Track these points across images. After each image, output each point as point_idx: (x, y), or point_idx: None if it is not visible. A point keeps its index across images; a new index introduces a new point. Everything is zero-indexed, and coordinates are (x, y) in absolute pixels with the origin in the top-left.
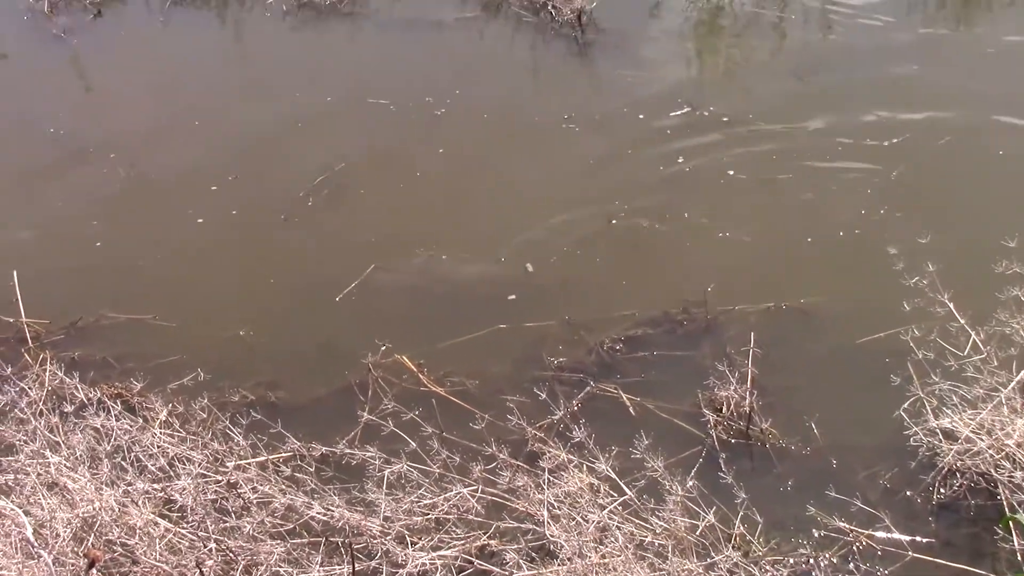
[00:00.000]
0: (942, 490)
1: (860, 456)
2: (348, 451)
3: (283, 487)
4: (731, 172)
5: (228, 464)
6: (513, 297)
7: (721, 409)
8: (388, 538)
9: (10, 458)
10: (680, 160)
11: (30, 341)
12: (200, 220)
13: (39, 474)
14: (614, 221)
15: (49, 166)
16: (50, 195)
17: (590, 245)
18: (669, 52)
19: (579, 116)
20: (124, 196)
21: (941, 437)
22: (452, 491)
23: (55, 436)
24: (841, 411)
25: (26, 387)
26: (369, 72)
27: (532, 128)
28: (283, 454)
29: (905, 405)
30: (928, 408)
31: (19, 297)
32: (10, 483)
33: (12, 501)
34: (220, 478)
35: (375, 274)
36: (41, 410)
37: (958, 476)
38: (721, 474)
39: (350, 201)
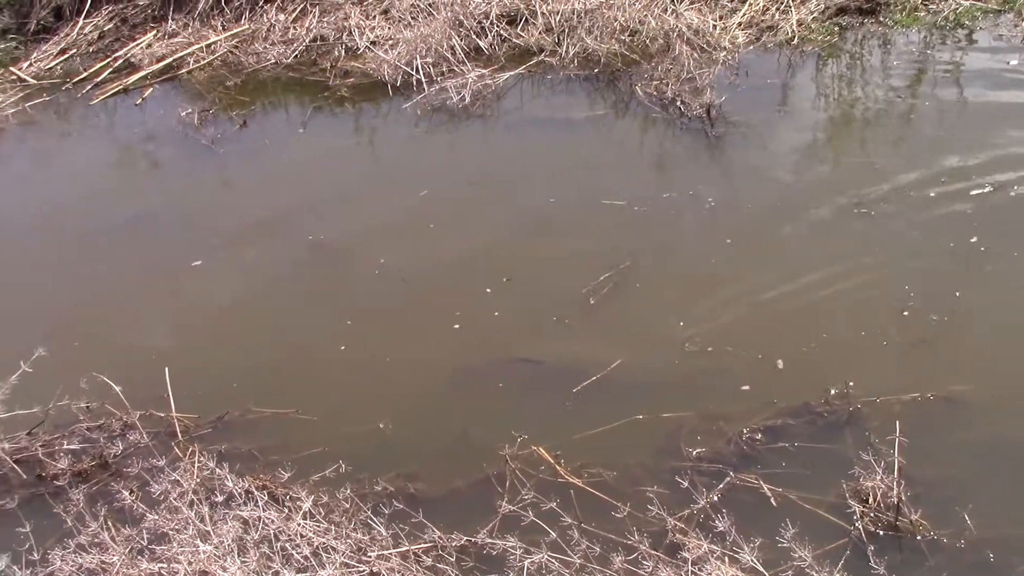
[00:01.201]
0: None
1: (1019, 548)
2: (488, 540)
3: None
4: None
5: (370, 554)
6: (747, 388)
7: (867, 500)
8: None
9: (163, 547)
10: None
11: (180, 435)
12: (457, 326)
13: (190, 563)
14: (906, 313)
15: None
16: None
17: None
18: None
19: (866, 201)
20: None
21: None
22: None
23: (205, 526)
24: (996, 501)
25: (178, 478)
26: (563, 171)
27: (812, 215)
28: (423, 545)
29: None
30: None
31: (170, 392)
32: (163, 571)
33: None
34: (363, 568)
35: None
36: (192, 500)
37: None
38: (872, 565)
39: (630, 297)
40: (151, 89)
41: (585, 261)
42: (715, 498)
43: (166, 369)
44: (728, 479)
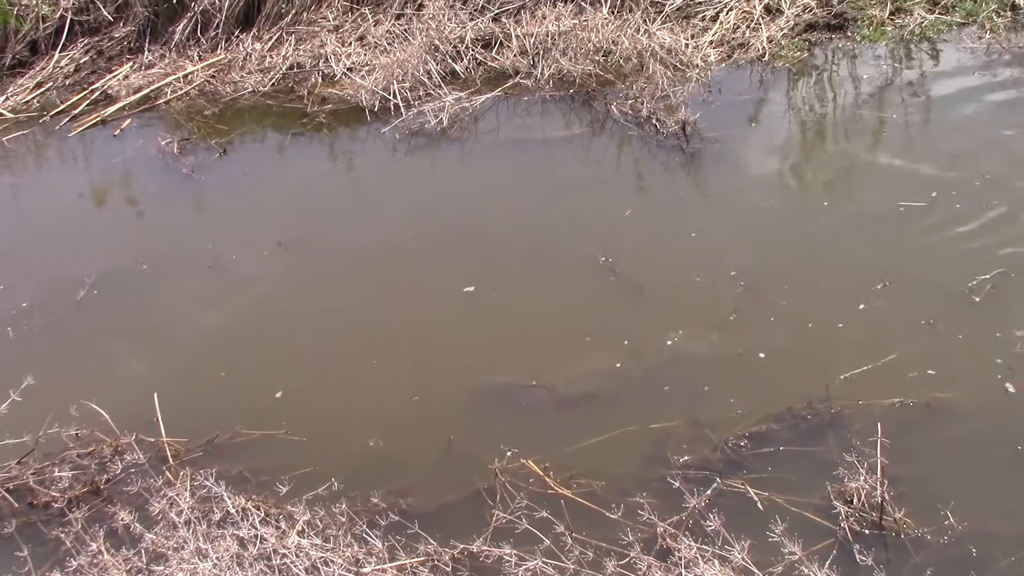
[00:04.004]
0: None
1: (1001, 544)
2: (483, 548)
3: None
4: None
5: (367, 567)
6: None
7: (852, 500)
8: None
9: (161, 567)
10: None
11: (170, 459)
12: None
13: None
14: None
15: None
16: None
17: None
18: None
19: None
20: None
21: None
22: None
23: (203, 543)
24: (977, 499)
25: (175, 496)
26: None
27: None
28: (419, 558)
29: None
30: None
31: (159, 417)
32: None
33: None
34: None
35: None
36: (188, 519)
37: None
38: (859, 560)
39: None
40: (129, 120)
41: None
42: (703, 503)
43: (155, 394)
44: (715, 485)
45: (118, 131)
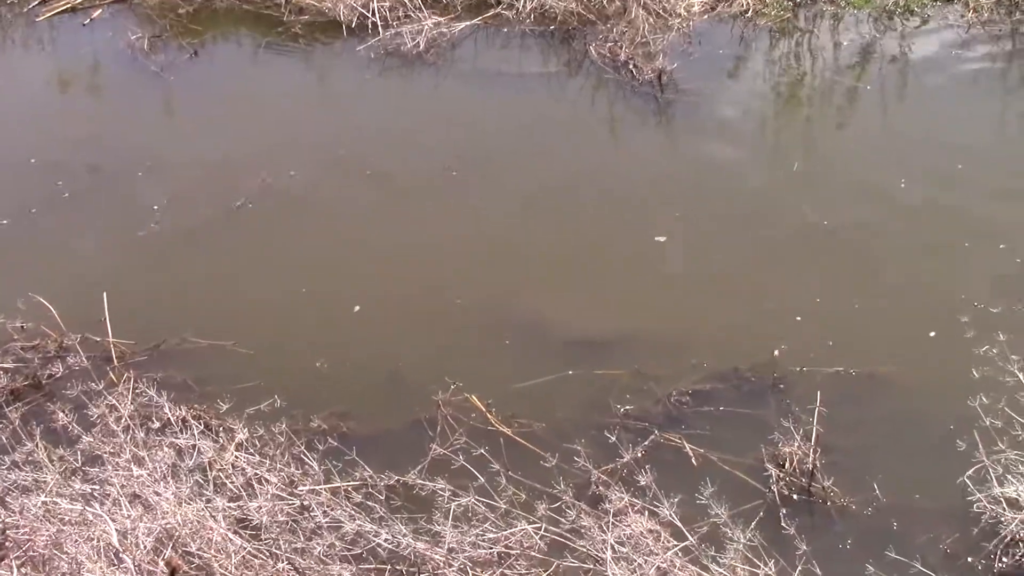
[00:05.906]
0: (1003, 559)
1: (922, 519)
2: (418, 481)
3: (353, 513)
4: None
5: (302, 488)
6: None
7: (784, 465)
8: (452, 569)
9: (97, 469)
10: None
11: (115, 360)
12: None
13: (123, 486)
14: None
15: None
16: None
17: None
18: None
19: None
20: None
21: (1005, 505)
22: (517, 527)
23: (140, 451)
24: (905, 474)
25: (115, 402)
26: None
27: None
28: (354, 482)
29: (970, 472)
30: (993, 476)
31: (107, 317)
32: (96, 493)
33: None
34: (294, 500)
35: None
36: (128, 425)
37: (1021, 545)
38: (783, 525)
39: None
40: (100, 11)
41: None
42: (639, 454)
43: (104, 294)
44: (653, 437)
45: (88, 20)
